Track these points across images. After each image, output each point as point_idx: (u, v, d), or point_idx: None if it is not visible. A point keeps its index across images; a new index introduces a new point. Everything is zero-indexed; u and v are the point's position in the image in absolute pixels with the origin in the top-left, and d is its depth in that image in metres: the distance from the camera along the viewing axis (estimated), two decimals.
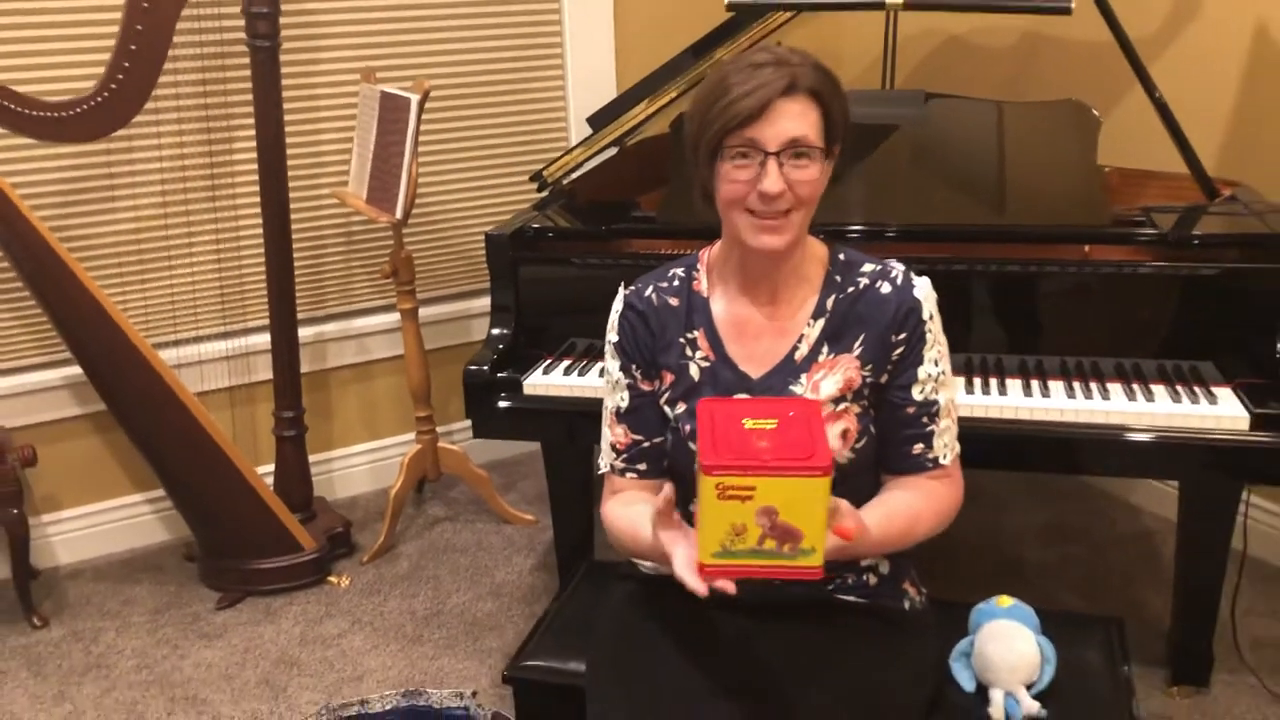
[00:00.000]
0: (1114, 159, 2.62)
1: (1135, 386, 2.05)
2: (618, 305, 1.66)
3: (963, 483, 1.63)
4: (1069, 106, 2.23)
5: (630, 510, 1.59)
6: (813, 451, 1.27)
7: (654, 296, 1.63)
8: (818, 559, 1.28)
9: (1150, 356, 2.10)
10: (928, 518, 1.57)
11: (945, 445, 1.58)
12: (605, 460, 1.68)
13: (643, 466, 1.65)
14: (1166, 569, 2.76)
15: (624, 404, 1.64)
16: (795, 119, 1.45)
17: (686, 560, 1.34)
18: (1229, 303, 2.05)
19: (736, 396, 1.55)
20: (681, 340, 1.61)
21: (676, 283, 1.64)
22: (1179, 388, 2.03)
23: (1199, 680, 2.31)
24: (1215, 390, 2.02)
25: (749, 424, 1.32)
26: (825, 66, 1.49)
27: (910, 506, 1.55)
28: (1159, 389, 2.04)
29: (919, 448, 1.57)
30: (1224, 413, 1.95)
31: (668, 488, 1.42)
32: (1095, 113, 2.21)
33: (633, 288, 1.66)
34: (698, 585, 1.32)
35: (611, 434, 1.67)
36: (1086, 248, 2.17)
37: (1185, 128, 2.30)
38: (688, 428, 1.57)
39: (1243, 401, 1.98)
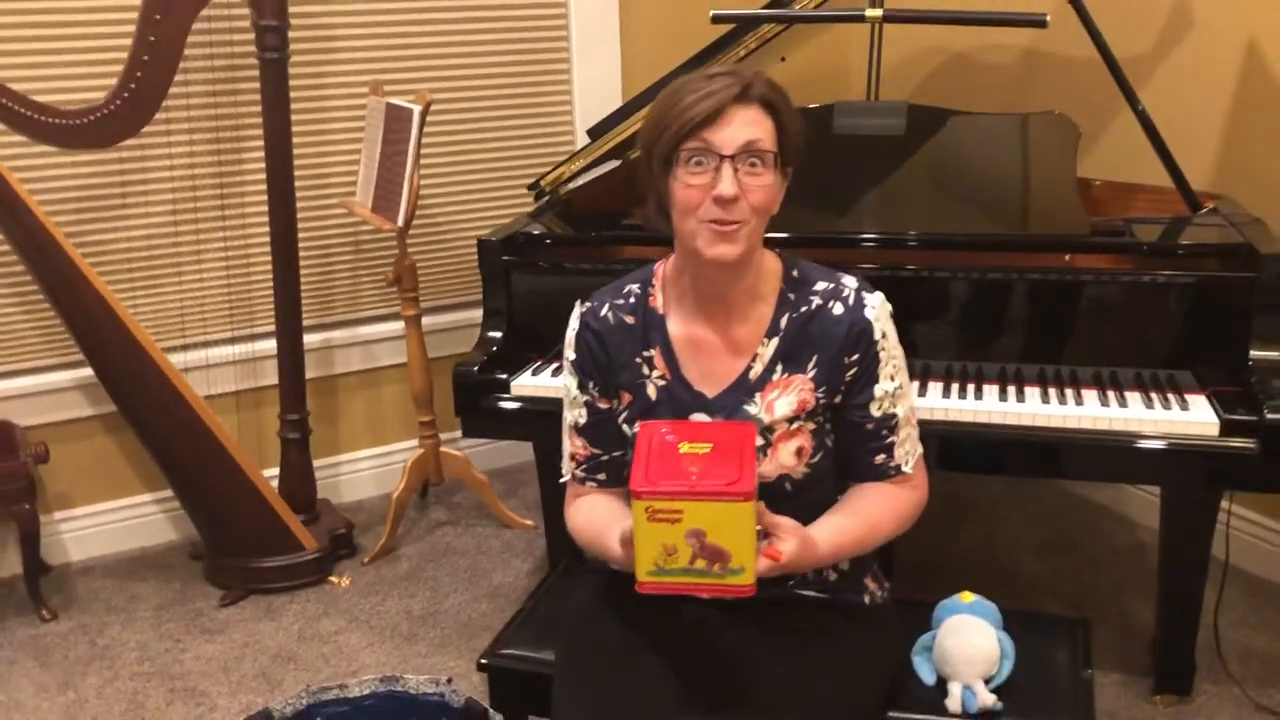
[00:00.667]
0: (1108, 173, 2.65)
1: (1110, 393, 2.08)
2: (574, 323, 1.67)
3: (926, 483, 1.66)
4: (1049, 118, 2.27)
5: (595, 516, 1.64)
6: (738, 477, 1.34)
7: (610, 315, 1.64)
8: (748, 577, 1.35)
9: (1128, 365, 2.13)
10: (886, 522, 1.60)
11: (906, 453, 1.61)
12: (566, 469, 1.72)
13: (602, 477, 1.69)
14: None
15: (582, 420, 1.68)
16: (749, 124, 1.47)
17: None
18: (1204, 312, 2.08)
19: (689, 419, 1.58)
20: (638, 359, 1.62)
21: (632, 300, 1.64)
22: (1153, 394, 2.06)
23: (1182, 689, 2.32)
24: (1189, 397, 2.04)
25: (684, 448, 1.40)
26: (777, 83, 1.52)
27: (867, 515, 1.59)
28: (1133, 395, 2.07)
29: (880, 458, 1.60)
30: (1194, 418, 1.97)
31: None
32: (1075, 123, 2.24)
33: (588, 305, 1.67)
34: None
35: (571, 445, 1.70)
36: (1067, 256, 2.20)
37: (1178, 142, 2.33)
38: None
39: (1214, 408, 2.00)
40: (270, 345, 2.98)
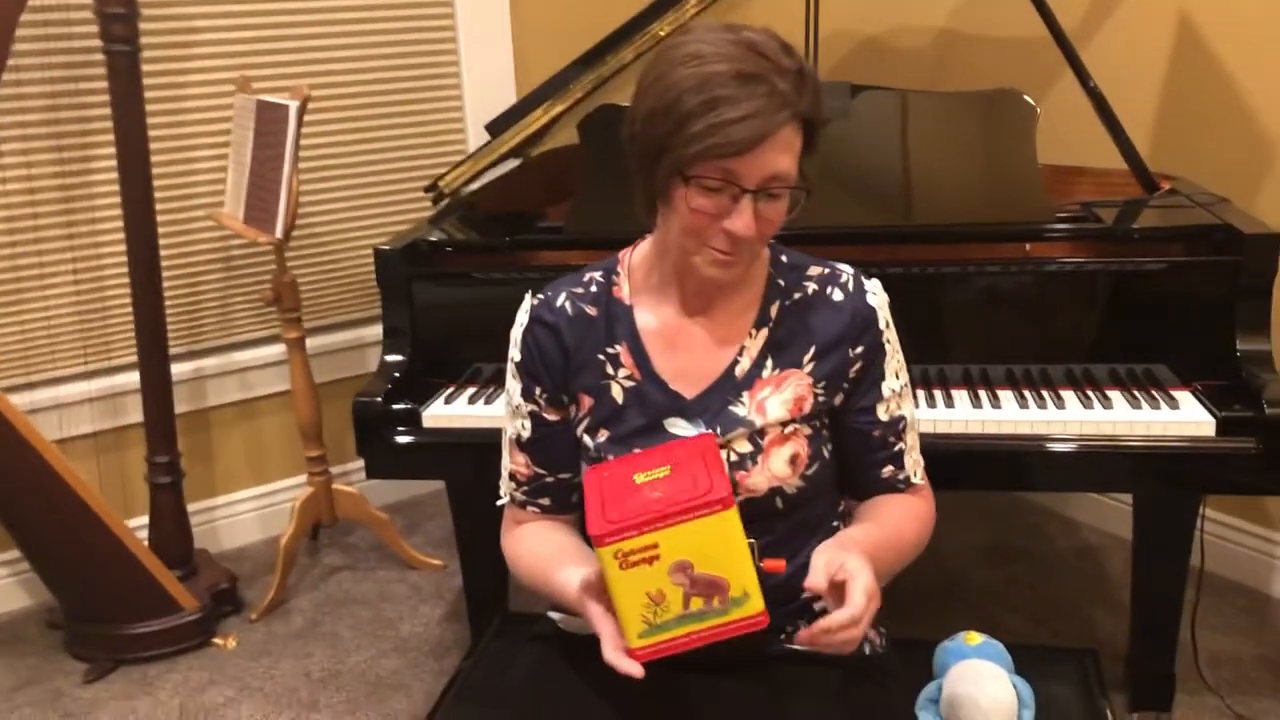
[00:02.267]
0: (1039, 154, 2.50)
1: (1090, 393, 1.90)
2: (522, 317, 1.43)
3: (933, 499, 1.46)
4: (1003, 96, 2.08)
5: (542, 550, 1.41)
6: (709, 486, 1.13)
7: (568, 305, 1.41)
8: (756, 603, 1.13)
9: (1100, 360, 1.95)
10: (910, 534, 1.39)
11: (915, 461, 1.42)
12: (504, 488, 1.48)
13: (545, 501, 1.46)
14: (1114, 587, 2.64)
15: (525, 433, 1.44)
16: (780, 152, 1.22)
17: (615, 644, 1.18)
18: (1182, 299, 1.92)
19: (664, 423, 1.37)
20: (601, 357, 1.39)
21: (594, 289, 1.42)
22: (1136, 393, 1.89)
23: (1161, 705, 2.17)
24: (1175, 394, 1.88)
25: (640, 478, 1.19)
26: (815, 75, 1.26)
27: (889, 522, 1.38)
28: (1115, 394, 1.89)
29: (889, 470, 1.40)
30: (1188, 418, 1.80)
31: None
32: (1032, 103, 2.06)
33: (541, 296, 1.43)
34: (631, 668, 1.15)
35: (512, 462, 1.46)
36: (1028, 246, 2.02)
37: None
38: (611, 458, 1.36)
39: (1205, 405, 1.83)
40: (132, 378, 2.63)
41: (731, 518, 1.12)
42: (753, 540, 1.17)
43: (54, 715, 2.34)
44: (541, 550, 1.42)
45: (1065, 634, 2.45)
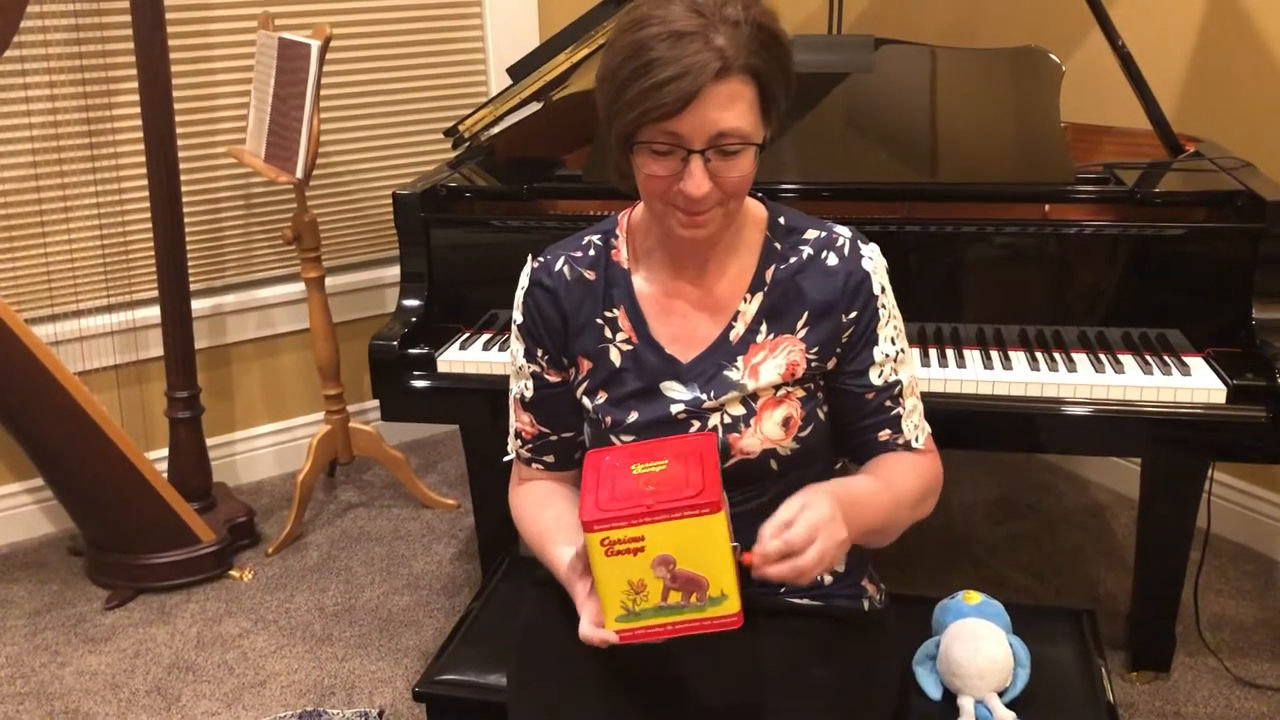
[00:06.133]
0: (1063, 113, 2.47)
1: (1102, 356, 1.90)
2: (523, 282, 1.44)
3: (940, 463, 1.46)
4: (1029, 54, 2.07)
5: (542, 519, 1.43)
6: (701, 488, 1.15)
7: (566, 270, 1.42)
8: (733, 604, 1.16)
9: (1115, 324, 1.95)
10: (912, 490, 1.35)
11: (915, 427, 1.40)
12: (510, 446, 1.51)
13: (549, 459, 1.48)
14: (1118, 545, 2.66)
15: (528, 393, 1.46)
16: (725, 107, 1.20)
17: (593, 620, 1.21)
18: (1200, 265, 1.91)
19: (659, 387, 1.38)
20: (599, 320, 1.40)
21: (593, 252, 1.42)
22: (1148, 358, 1.89)
23: (1160, 665, 2.20)
24: (1187, 360, 1.88)
25: (638, 469, 1.21)
26: (766, 23, 1.24)
27: (889, 478, 1.35)
28: (1127, 359, 1.89)
29: (886, 434, 1.39)
30: (1199, 385, 1.80)
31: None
32: (1057, 61, 2.04)
33: (540, 260, 1.44)
34: (605, 635, 1.18)
35: (517, 420, 1.49)
36: (1046, 207, 2.02)
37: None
38: (609, 419, 1.39)
39: (1217, 372, 1.83)
40: (153, 313, 2.67)
41: (718, 521, 1.14)
42: (736, 544, 1.19)
43: (76, 639, 2.40)
44: (539, 518, 1.44)
45: (1068, 591, 2.47)
